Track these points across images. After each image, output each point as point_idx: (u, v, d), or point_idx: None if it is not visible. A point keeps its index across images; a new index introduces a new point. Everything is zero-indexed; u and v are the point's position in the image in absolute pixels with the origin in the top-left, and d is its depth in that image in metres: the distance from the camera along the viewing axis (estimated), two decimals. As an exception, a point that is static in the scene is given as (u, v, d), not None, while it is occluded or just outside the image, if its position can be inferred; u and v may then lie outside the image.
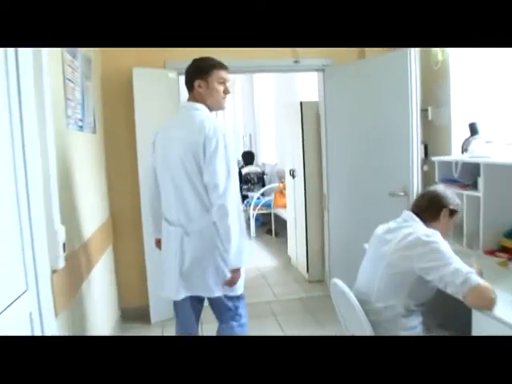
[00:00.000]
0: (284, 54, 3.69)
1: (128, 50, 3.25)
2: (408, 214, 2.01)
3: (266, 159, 9.08)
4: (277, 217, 6.49)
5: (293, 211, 4.90)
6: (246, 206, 6.86)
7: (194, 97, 2.13)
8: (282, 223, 6.25)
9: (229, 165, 1.97)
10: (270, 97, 8.75)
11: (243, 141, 10.91)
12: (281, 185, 6.49)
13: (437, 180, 2.79)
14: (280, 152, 7.96)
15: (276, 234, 6.59)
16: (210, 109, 2.14)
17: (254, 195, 6.76)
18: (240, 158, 8.19)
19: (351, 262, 2.44)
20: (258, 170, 7.50)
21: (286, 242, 5.47)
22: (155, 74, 3.30)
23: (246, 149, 10.07)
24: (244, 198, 7.05)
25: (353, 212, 3.67)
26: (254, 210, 6.57)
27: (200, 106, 2.10)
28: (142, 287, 3.47)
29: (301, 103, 4.27)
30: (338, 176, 3.83)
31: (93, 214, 2.80)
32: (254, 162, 7.76)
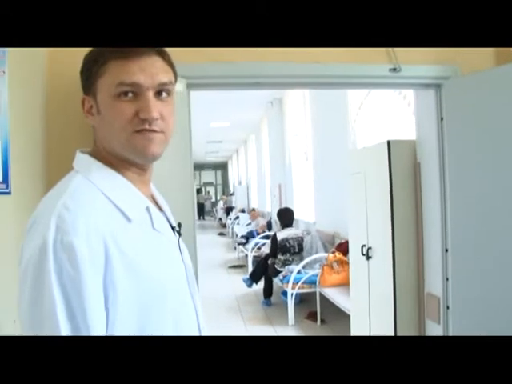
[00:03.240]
0: (372, 54, 2.13)
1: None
2: None
3: (299, 215, 7.50)
4: (322, 298, 4.82)
5: (364, 304, 3.22)
6: (282, 282, 5.17)
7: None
8: (329, 306, 4.69)
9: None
10: (306, 135, 7.26)
11: (270, 192, 9.43)
12: (331, 256, 4.81)
13: None
14: (322, 208, 6.39)
15: (322, 321, 4.88)
16: (113, 161, 0.88)
17: (294, 268, 5.06)
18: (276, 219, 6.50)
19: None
20: (299, 234, 5.76)
21: (337, 334, 4.36)
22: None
23: (276, 202, 8.55)
24: (277, 272, 5.37)
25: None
26: (292, 288, 4.88)
27: (82, 163, 0.88)
28: None
29: (388, 143, 2.66)
30: (470, 272, 2.15)
31: None
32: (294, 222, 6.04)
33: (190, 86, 2.00)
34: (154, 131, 0.83)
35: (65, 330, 0.71)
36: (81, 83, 0.89)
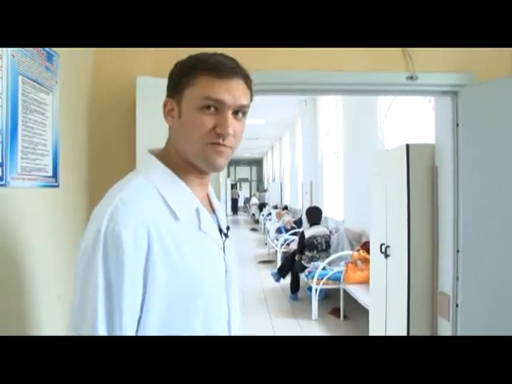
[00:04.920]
0: (389, 62, 2.26)
1: (139, 51, 1.95)
2: None
3: (329, 213, 7.60)
4: (347, 294, 4.93)
5: (382, 301, 3.33)
6: (307, 277, 5.32)
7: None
8: (353, 303, 4.78)
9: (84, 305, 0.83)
10: (337, 135, 7.36)
11: (302, 189, 9.55)
12: (355, 254, 4.92)
13: None
14: (350, 207, 6.47)
15: (345, 317, 5.00)
16: (180, 163, 0.98)
17: (319, 264, 5.19)
18: (304, 217, 6.63)
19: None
20: (327, 231, 5.89)
21: (358, 330, 4.45)
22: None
23: (307, 199, 8.67)
24: (303, 268, 5.51)
25: None
26: (317, 283, 5.02)
27: (146, 162, 1.01)
28: None
29: (407, 147, 2.77)
30: (479, 273, 2.25)
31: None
32: (321, 220, 6.17)
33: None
34: (225, 146, 0.92)
35: (101, 312, 0.81)
36: (167, 86, 0.99)
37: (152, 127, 1.85)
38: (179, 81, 0.95)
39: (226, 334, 1.00)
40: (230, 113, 0.92)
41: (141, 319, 0.86)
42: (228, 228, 1.05)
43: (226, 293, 1.00)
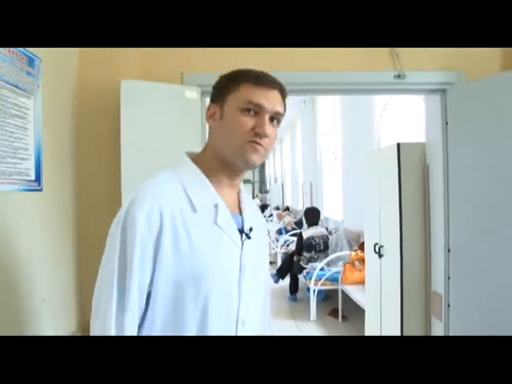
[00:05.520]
0: (377, 61, 2.26)
1: (124, 54, 1.95)
2: None
3: (329, 213, 7.58)
4: (345, 295, 4.90)
5: (377, 301, 3.32)
6: (305, 278, 5.30)
7: None
8: (351, 303, 4.74)
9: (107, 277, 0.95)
10: (335, 135, 7.35)
11: (302, 190, 9.54)
12: (353, 254, 4.90)
13: None
14: (349, 207, 6.45)
15: (343, 318, 4.97)
16: (214, 162, 1.08)
17: (317, 265, 5.17)
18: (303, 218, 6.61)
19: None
20: (325, 232, 5.87)
21: (356, 331, 4.36)
22: (161, 92, 1.91)
23: (307, 200, 8.65)
24: (301, 269, 5.49)
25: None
26: (315, 284, 4.99)
27: (182, 164, 1.10)
28: None
29: (398, 145, 2.76)
30: (470, 272, 2.23)
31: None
32: (320, 221, 6.13)
33: (205, 94, 2.18)
34: (261, 145, 1.02)
35: (116, 281, 0.92)
36: (211, 94, 1.09)
37: (137, 130, 1.86)
38: (223, 88, 1.06)
39: (232, 330, 1.03)
40: (267, 117, 1.03)
41: (151, 294, 0.96)
42: (251, 229, 1.10)
43: (238, 290, 1.04)
